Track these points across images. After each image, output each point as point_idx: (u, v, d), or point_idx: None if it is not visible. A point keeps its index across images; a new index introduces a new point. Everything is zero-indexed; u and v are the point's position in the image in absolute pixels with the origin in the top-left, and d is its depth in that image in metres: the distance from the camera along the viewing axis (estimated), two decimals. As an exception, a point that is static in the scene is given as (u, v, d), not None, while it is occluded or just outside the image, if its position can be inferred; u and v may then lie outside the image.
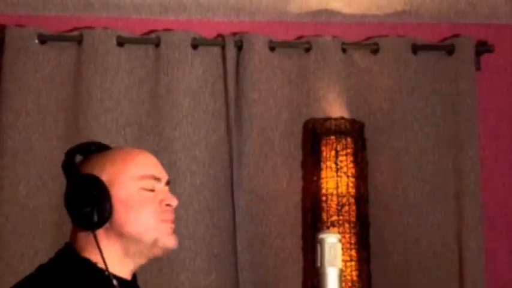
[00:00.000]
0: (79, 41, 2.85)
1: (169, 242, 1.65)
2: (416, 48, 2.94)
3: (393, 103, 2.89)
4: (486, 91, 2.99)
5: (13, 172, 2.75)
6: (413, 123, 2.89)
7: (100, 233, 1.62)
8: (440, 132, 2.90)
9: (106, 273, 1.61)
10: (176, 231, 1.68)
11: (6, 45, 2.82)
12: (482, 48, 2.97)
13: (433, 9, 2.93)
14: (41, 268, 1.63)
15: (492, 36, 3.00)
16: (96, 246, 1.61)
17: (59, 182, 2.75)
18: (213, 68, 2.90)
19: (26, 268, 2.65)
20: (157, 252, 1.65)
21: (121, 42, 2.87)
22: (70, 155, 1.71)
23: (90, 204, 1.61)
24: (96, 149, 1.72)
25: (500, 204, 2.95)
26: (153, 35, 2.91)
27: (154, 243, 1.63)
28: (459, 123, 2.89)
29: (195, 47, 2.88)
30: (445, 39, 3.00)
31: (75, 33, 2.89)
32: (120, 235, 1.63)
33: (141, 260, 1.67)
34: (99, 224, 1.61)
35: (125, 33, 2.90)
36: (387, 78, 2.91)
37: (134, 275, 1.70)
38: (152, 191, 1.66)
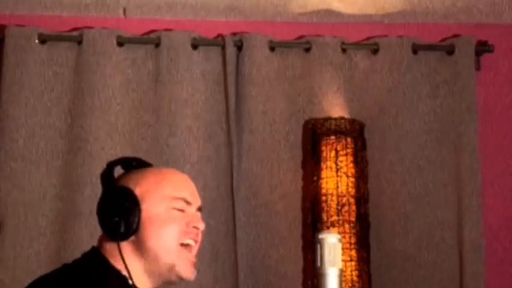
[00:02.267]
0: (79, 41, 2.85)
1: (186, 272, 1.67)
2: (416, 48, 2.94)
3: (393, 103, 2.89)
4: (486, 91, 2.99)
5: (13, 172, 2.75)
6: (413, 123, 2.88)
7: (125, 245, 1.64)
8: (440, 132, 2.90)
9: (130, 282, 1.63)
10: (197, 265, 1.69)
11: (6, 45, 2.82)
12: (482, 48, 2.96)
13: (433, 9, 2.92)
14: (68, 267, 1.64)
15: (492, 36, 3.00)
16: (120, 257, 1.63)
17: (59, 182, 2.77)
18: (213, 68, 2.90)
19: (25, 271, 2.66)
20: (172, 278, 1.67)
21: (121, 42, 2.87)
22: (110, 166, 1.73)
23: (119, 215, 1.63)
24: (137, 165, 1.75)
25: (501, 204, 2.95)
26: (153, 35, 2.91)
27: (172, 268, 1.65)
28: (459, 123, 2.89)
29: (195, 47, 2.88)
30: (445, 39, 3.00)
31: (75, 33, 2.89)
32: (143, 251, 1.64)
33: (158, 281, 1.68)
34: (125, 236, 1.64)
35: (125, 33, 2.90)
36: (387, 78, 2.91)
37: None
38: (182, 211, 1.68)
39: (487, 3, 2.89)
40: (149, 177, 1.70)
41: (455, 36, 2.98)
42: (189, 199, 1.71)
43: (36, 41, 2.84)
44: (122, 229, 1.63)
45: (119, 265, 1.64)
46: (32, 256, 2.69)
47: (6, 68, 2.81)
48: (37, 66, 2.83)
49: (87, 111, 2.80)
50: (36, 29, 2.85)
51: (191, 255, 1.68)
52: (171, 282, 1.68)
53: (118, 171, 1.76)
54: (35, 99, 2.81)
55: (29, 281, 1.62)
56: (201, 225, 1.70)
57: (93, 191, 2.61)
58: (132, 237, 1.64)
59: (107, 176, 1.72)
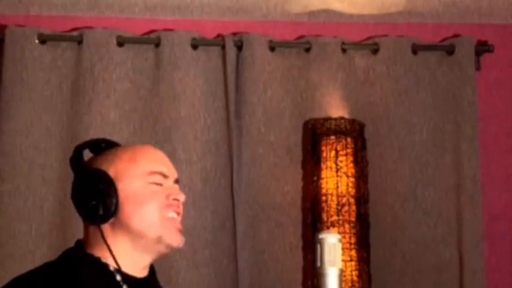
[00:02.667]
0: (79, 41, 2.85)
1: (174, 240, 1.64)
2: (416, 48, 2.94)
3: (393, 103, 2.89)
4: (486, 91, 2.99)
5: (13, 172, 2.75)
6: (413, 123, 2.88)
7: (106, 227, 1.62)
8: (440, 132, 2.90)
9: (111, 268, 1.61)
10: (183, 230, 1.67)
11: (6, 45, 2.82)
12: (482, 48, 2.96)
13: (433, 9, 2.92)
14: (46, 264, 1.64)
15: (492, 36, 3.00)
16: (103, 242, 1.60)
17: (59, 182, 2.77)
18: (213, 68, 2.90)
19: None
20: (162, 249, 1.64)
21: (121, 42, 2.87)
22: (78, 150, 1.70)
23: (96, 198, 1.60)
24: (106, 146, 1.72)
25: (501, 203, 2.95)
26: (153, 35, 2.91)
27: (159, 240, 1.62)
28: (459, 123, 2.89)
29: (195, 47, 2.88)
30: (445, 39, 3.00)
31: (75, 33, 2.89)
32: (127, 230, 1.62)
33: (150, 256, 1.65)
34: (105, 218, 1.61)
35: (125, 33, 2.90)
36: (387, 78, 2.91)
37: (152, 270, 1.69)
38: (160, 185, 1.65)
39: (487, 3, 2.89)
40: (122, 156, 1.66)
41: (455, 36, 2.98)
42: (166, 172, 1.67)
43: (36, 41, 2.84)
44: (101, 212, 1.60)
45: (101, 253, 1.61)
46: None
47: (6, 68, 2.81)
48: (37, 66, 2.83)
49: (87, 111, 2.80)
50: (36, 29, 2.85)
51: (176, 224, 1.65)
52: (161, 253, 1.65)
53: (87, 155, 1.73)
54: (35, 99, 2.81)
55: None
56: (181, 197, 1.67)
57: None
58: (112, 219, 1.61)
59: (76, 160, 1.69)
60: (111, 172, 1.63)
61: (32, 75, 2.82)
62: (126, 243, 1.62)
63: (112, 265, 1.61)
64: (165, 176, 1.67)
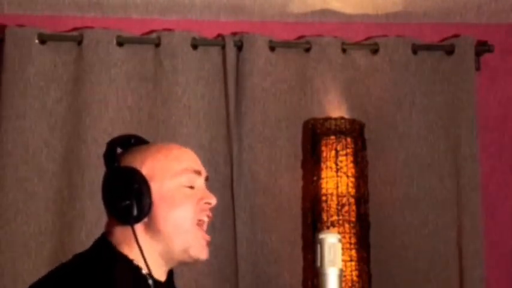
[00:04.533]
0: (79, 41, 2.85)
1: (201, 253, 1.62)
2: (416, 48, 2.94)
3: (393, 103, 2.89)
4: (486, 91, 2.99)
5: (13, 172, 2.75)
6: (413, 123, 2.89)
7: (137, 228, 1.58)
8: (440, 132, 2.90)
9: (143, 271, 1.58)
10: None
11: (6, 45, 2.82)
12: (482, 48, 2.97)
13: (433, 9, 2.93)
14: (77, 258, 1.60)
15: (492, 36, 3.00)
16: (133, 242, 1.57)
17: (60, 181, 2.77)
18: (213, 68, 2.90)
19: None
20: (187, 259, 1.62)
21: (121, 42, 2.87)
22: (112, 145, 1.65)
23: (130, 198, 1.57)
24: (135, 142, 1.69)
25: (501, 203, 2.95)
26: (153, 35, 2.91)
27: (186, 249, 1.60)
28: (459, 123, 2.89)
29: (195, 47, 2.88)
30: (445, 39, 3.00)
31: (75, 33, 2.89)
32: (157, 232, 1.59)
33: (172, 263, 1.63)
34: (139, 219, 1.57)
35: (125, 33, 2.90)
36: (387, 78, 2.91)
37: (171, 273, 1.67)
38: (192, 188, 1.63)
39: (487, 3, 2.89)
40: (153, 154, 1.63)
41: (455, 36, 2.98)
42: (198, 168, 1.65)
43: (36, 41, 2.84)
44: (135, 212, 1.56)
45: (132, 252, 1.58)
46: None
47: (6, 68, 2.81)
48: (37, 66, 2.83)
49: (87, 111, 2.79)
50: (36, 29, 2.85)
51: (204, 233, 1.63)
52: (184, 263, 1.63)
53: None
54: (35, 99, 2.81)
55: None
56: (213, 201, 1.66)
57: (93, 192, 2.62)
58: (145, 220, 1.58)
59: (110, 156, 1.64)
60: (144, 171, 1.60)
61: (32, 76, 2.82)
62: (153, 246, 1.59)
63: (143, 268, 1.58)
64: (197, 172, 1.65)
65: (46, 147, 2.79)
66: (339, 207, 2.67)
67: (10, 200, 2.74)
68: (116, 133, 2.75)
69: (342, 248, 1.64)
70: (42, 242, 2.72)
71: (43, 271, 1.61)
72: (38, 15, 2.93)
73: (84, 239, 2.56)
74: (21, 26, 2.86)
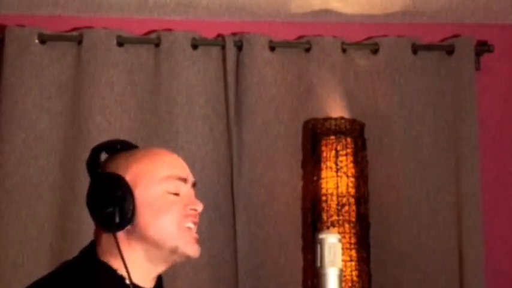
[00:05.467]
0: (79, 41, 2.85)
1: (191, 250, 1.60)
2: (416, 48, 2.94)
3: (393, 103, 2.89)
4: (486, 91, 2.99)
5: (13, 172, 2.75)
6: (413, 123, 2.89)
7: (121, 235, 1.57)
8: (440, 131, 2.90)
9: (126, 281, 1.56)
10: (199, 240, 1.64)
11: (6, 45, 2.82)
12: (482, 48, 2.97)
13: (433, 9, 2.93)
14: (62, 267, 1.59)
15: (492, 36, 3.00)
16: (117, 251, 1.55)
17: (60, 181, 2.77)
18: (213, 68, 2.90)
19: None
20: (177, 259, 1.60)
21: (121, 42, 2.87)
22: (95, 152, 1.63)
23: (112, 205, 1.55)
24: (122, 148, 1.66)
25: (501, 204, 2.95)
26: (153, 35, 2.91)
27: (175, 250, 1.58)
28: (459, 123, 2.89)
29: (195, 47, 2.88)
30: (445, 39, 3.00)
31: (75, 33, 2.89)
32: (142, 239, 1.57)
33: (162, 266, 1.62)
34: (121, 226, 1.56)
35: (125, 33, 2.90)
36: (387, 78, 2.91)
37: (159, 280, 1.65)
38: (177, 194, 1.61)
39: (487, 3, 2.89)
40: (138, 160, 1.61)
41: (455, 36, 2.98)
42: (184, 175, 1.63)
43: (36, 41, 2.84)
44: (117, 219, 1.54)
45: (116, 260, 1.56)
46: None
47: (6, 68, 2.81)
48: (37, 66, 2.83)
49: (87, 111, 2.79)
50: (36, 29, 2.85)
51: (192, 233, 1.61)
52: (176, 262, 1.62)
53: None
54: (35, 99, 2.81)
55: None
56: (199, 207, 1.62)
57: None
58: (128, 227, 1.56)
59: (92, 163, 1.62)
60: (128, 177, 1.58)
61: (32, 75, 2.82)
62: (140, 253, 1.58)
63: (127, 277, 1.56)
64: (182, 179, 1.62)
65: (46, 147, 2.79)
66: (339, 207, 2.67)
67: (10, 200, 2.73)
68: (116, 133, 2.78)
69: (342, 248, 1.64)
70: (43, 242, 2.72)
71: (43, 271, 1.61)
72: (38, 15, 2.93)
73: (85, 241, 2.56)
74: (21, 26, 2.86)
